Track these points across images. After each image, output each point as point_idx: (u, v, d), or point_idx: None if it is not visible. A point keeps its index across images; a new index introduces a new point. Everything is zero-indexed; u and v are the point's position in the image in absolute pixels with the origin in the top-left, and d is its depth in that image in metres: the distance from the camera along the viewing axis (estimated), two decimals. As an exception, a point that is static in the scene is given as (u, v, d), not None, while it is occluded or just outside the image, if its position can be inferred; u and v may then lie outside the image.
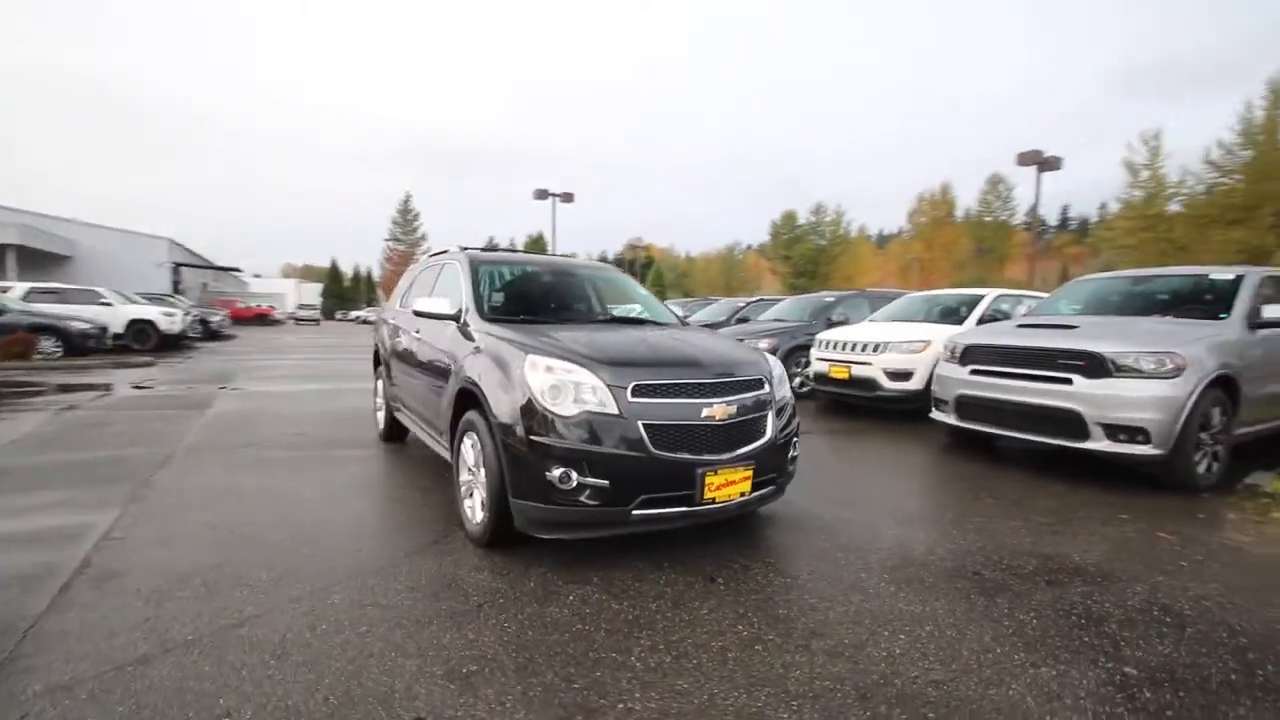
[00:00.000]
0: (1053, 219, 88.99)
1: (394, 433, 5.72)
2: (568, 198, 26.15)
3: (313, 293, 72.61)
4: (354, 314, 64.44)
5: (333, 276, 79.09)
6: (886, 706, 2.03)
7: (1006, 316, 8.14)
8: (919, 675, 2.22)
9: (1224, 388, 4.61)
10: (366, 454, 5.38)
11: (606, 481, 2.83)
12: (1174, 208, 33.81)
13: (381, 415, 5.89)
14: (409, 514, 3.85)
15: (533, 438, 2.89)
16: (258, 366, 12.84)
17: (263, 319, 41.63)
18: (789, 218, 58.10)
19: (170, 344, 16.28)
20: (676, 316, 4.58)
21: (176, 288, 30.91)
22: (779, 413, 3.36)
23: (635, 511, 2.89)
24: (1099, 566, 3.21)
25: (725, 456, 3.03)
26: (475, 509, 3.33)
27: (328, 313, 64.04)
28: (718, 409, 3.06)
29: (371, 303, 74.13)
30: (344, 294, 77.03)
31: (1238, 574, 3.15)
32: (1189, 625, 2.62)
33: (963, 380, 5.46)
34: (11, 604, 2.58)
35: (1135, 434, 4.43)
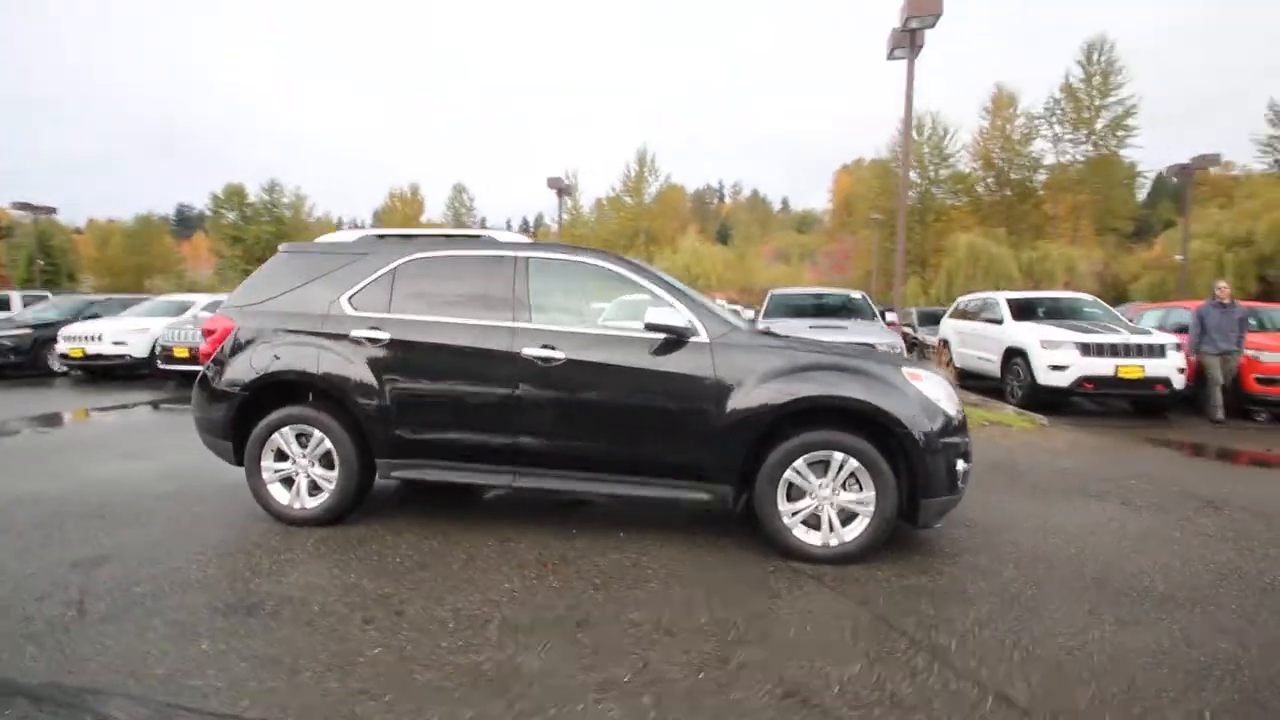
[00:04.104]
0: (517, 227, 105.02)
1: (355, 502, 3.72)
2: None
3: None
4: None
5: None
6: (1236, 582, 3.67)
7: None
8: (1213, 556, 3.74)
9: (898, 361, 8.09)
10: (363, 542, 3.41)
11: (970, 465, 3.49)
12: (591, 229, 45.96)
13: (305, 482, 3.66)
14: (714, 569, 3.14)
15: (945, 440, 3.25)
16: None
17: None
18: (234, 192, 49.27)
19: None
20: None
21: None
22: None
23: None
24: (1095, 474, 5.56)
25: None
26: (834, 529, 3.27)
27: None
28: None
29: None
30: None
31: (1129, 463, 5.97)
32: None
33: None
34: None
35: (891, 392, 7.36)
